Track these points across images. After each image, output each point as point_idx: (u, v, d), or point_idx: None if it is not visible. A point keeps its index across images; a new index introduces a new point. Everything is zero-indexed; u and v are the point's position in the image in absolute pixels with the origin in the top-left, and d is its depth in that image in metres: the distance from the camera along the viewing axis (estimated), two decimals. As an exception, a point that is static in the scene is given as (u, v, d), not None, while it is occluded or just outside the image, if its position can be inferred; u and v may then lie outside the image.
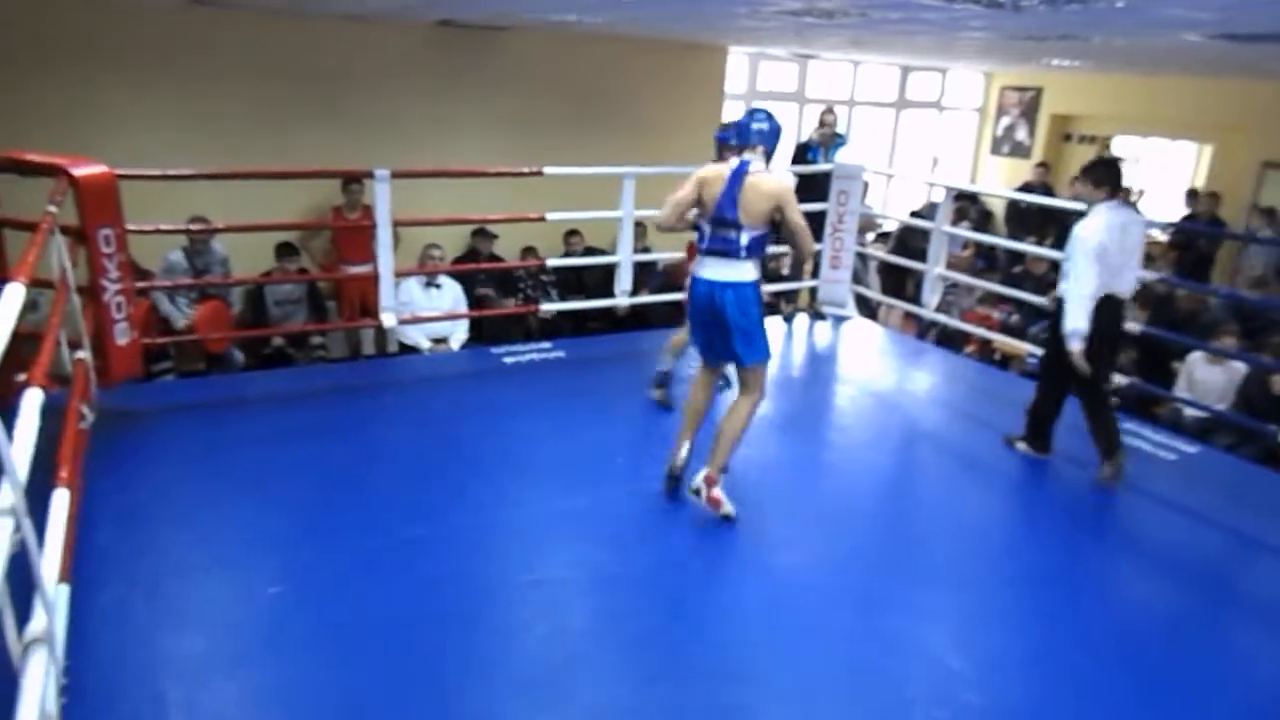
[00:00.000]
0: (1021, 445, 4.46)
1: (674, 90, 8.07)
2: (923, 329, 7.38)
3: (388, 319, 5.02)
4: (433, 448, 4.28)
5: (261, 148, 6.20)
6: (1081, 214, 4.11)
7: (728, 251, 3.46)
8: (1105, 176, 4.00)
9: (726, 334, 3.50)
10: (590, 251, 7.25)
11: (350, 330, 6.55)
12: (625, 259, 5.66)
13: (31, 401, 2.11)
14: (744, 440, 3.75)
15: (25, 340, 3.40)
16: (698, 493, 3.56)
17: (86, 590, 2.82)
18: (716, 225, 3.49)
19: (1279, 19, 3.87)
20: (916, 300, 6.51)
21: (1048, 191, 9.25)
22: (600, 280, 6.69)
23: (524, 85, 7.41)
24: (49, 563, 1.97)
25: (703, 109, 8.40)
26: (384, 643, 2.78)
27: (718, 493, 3.54)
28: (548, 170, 5.43)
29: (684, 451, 3.74)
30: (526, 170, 5.55)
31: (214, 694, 2.56)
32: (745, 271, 3.46)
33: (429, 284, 6.09)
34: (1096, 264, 3.87)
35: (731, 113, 8.86)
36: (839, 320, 6.68)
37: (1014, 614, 3.20)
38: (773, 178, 3.47)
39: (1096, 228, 3.91)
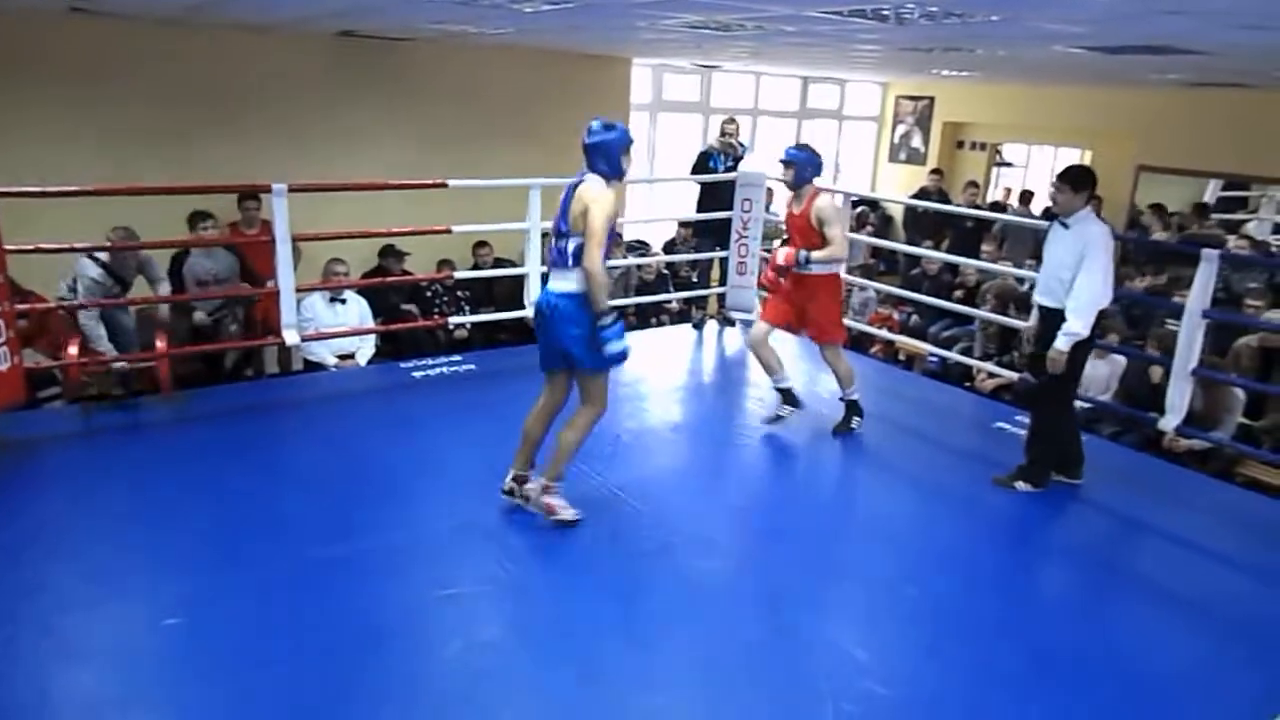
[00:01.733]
0: (1022, 485, 4.26)
1: (579, 101, 8.08)
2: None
3: (290, 336, 4.90)
4: (339, 466, 4.20)
5: (155, 163, 5.97)
6: (972, 220, 4.27)
7: (557, 262, 3.49)
8: (1087, 182, 3.96)
9: (558, 342, 3.50)
10: (499, 263, 7.21)
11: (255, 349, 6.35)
12: (533, 270, 5.65)
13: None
14: (650, 446, 3.81)
15: None
16: (526, 499, 3.67)
17: (-34, 631, 2.67)
18: (553, 237, 3.54)
19: (1145, 32, 4.12)
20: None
21: (943, 197, 9.60)
22: (510, 292, 6.65)
23: (428, 97, 7.34)
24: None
25: (609, 120, 8.45)
26: (291, 671, 2.71)
27: (550, 499, 3.62)
28: (452, 183, 5.39)
29: (513, 470, 3.78)
30: (430, 182, 5.49)
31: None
32: (574, 281, 3.44)
33: (333, 299, 5.97)
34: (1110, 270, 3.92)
35: (638, 124, 8.96)
36: (748, 325, 6.80)
37: (915, 605, 3.30)
38: (592, 186, 3.41)
39: (1106, 233, 3.93)
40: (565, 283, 3.46)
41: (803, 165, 4.63)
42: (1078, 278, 3.88)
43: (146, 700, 2.60)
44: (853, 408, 4.89)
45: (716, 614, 3.15)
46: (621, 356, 3.48)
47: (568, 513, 3.62)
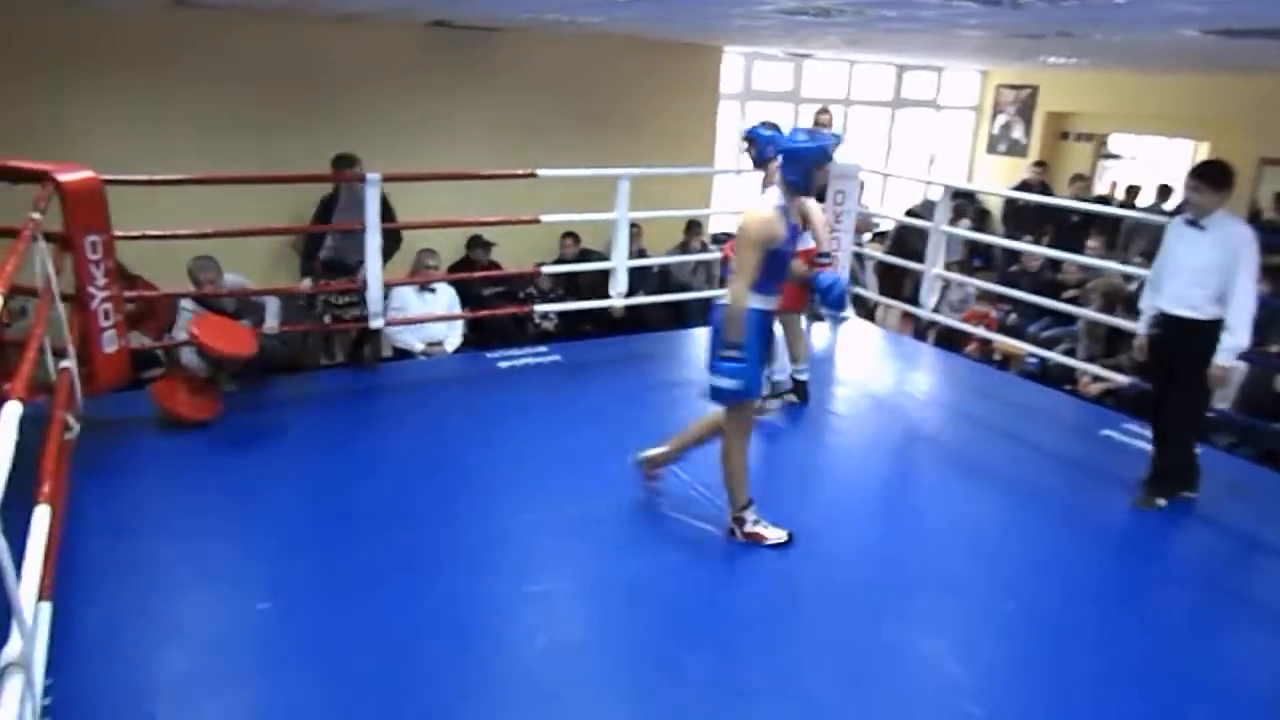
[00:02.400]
0: (1162, 501, 3.96)
1: (668, 90, 8.01)
2: (921, 329, 7.33)
3: (375, 322, 4.95)
4: (426, 455, 4.22)
5: (251, 151, 6.12)
6: (1079, 214, 4.03)
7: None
8: (1227, 181, 3.68)
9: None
10: (586, 254, 7.18)
11: (346, 335, 6.47)
12: (620, 261, 5.60)
13: (9, 416, 2.04)
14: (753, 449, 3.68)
15: (13, 348, 3.34)
16: (732, 533, 3.50)
17: (72, 607, 2.75)
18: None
19: (1273, 13, 3.82)
20: (914, 300, 6.46)
21: (1045, 190, 9.20)
22: (595, 283, 6.62)
23: (518, 87, 7.34)
24: (27, 584, 1.90)
25: (697, 109, 8.35)
26: (376, 660, 2.71)
27: (751, 529, 3.47)
28: (541, 173, 5.37)
29: (656, 450, 3.74)
30: (520, 172, 5.48)
31: (200, 715, 2.50)
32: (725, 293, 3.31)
33: (423, 288, 6.02)
34: None
35: (727, 113, 8.82)
36: (837, 321, 6.63)
37: (1015, 621, 3.14)
38: (754, 203, 3.34)
39: (1254, 235, 3.65)
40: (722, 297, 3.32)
41: (764, 143, 4.51)
42: (1236, 285, 3.59)
43: (238, 684, 2.63)
44: (800, 389, 4.85)
45: (806, 623, 3.04)
46: (719, 394, 3.29)
47: (773, 533, 3.46)
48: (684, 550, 3.44)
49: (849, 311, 6.70)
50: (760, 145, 4.54)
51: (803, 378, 4.88)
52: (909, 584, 3.32)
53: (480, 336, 6.46)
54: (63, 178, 3.86)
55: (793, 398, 4.90)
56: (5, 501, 1.90)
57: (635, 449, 3.79)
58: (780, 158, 3.28)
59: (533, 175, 5.37)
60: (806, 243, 4.63)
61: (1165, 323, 3.88)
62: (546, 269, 6.23)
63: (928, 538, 3.73)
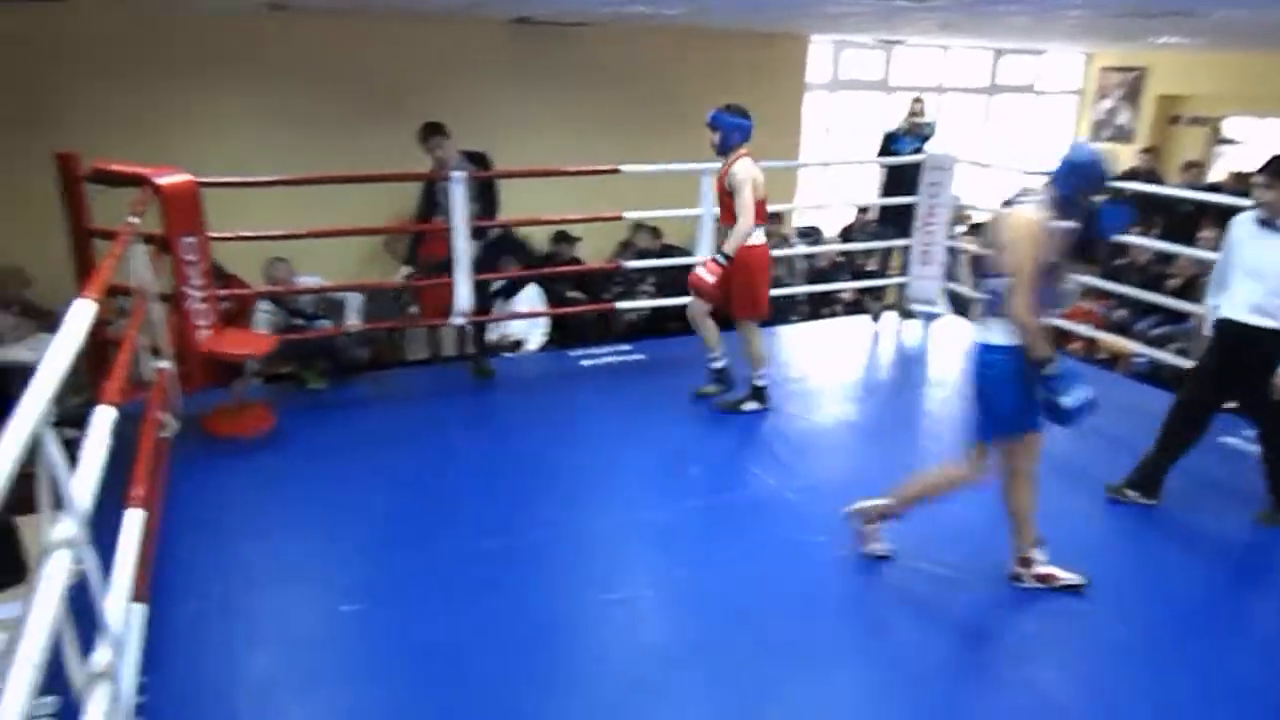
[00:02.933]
0: None
1: (753, 82, 7.82)
2: (1019, 326, 6.98)
3: (457, 319, 4.95)
4: (508, 455, 4.19)
5: (340, 151, 6.22)
6: (1192, 204, 3.73)
7: (988, 307, 2.94)
8: None
9: (992, 405, 2.98)
10: (668, 250, 7.09)
11: (432, 332, 6.54)
12: (704, 258, 5.46)
13: (102, 421, 2.06)
14: (824, 449, 3.56)
15: (113, 346, 3.43)
16: (1017, 578, 3.17)
17: (165, 604, 2.81)
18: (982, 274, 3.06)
19: None
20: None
21: (1154, 178, 8.68)
22: (679, 279, 6.52)
23: (600, 82, 7.29)
24: (116, 591, 1.91)
25: (783, 100, 8.16)
26: (457, 664, 2.68)
27: (1042, 569, 3.14)
28: (624, 168, 5.29)
29: (874, 501, 3.29)
30: (603, 168, 5.42)
31: (284, 716, 2.51)
32: (1003, 332, 2.87)
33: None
34: None
35: (814, 103, 8.59)
36: (929, 318, 6.38)
37: (1123, 644, 2.92)
38: (1020, 214, 2.82)
39: None
40: (994, 334, 2.90)
41: (729, 129, 4.33)
42: None
43: (321, 686, 2.64)
44: (758, 393, 4.64)
45: (899, 640, 2.89)
46: (1070, 416, 2.86)
47: (1066, 575, 3.14)
48: (774, 559, 3.31)
49: (941, 307, 6.44)
50: (725, 131, 4.37)
51: (762, 384, 4.67)
52: (1008, 600, 3.13)
53: (563, 335, 6.44)
54: (160, 181, 3.96)
55: (753, 404, 4.68)
56: (106, 500, 1.91)
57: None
58: (1067, 170, 2.82)
59: (616, 171, 5.30)
60: None
61: (1233, 330, 3.55)
62: (629, 264, 6.15)
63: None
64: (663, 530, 3.49)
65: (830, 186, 9.22)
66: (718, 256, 4.26)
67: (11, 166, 5.59)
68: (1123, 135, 10.11)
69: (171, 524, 3.28)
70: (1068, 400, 2.82)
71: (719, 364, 4.72)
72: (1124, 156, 9.61)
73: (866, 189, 8.49)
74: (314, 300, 4.95)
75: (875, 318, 6.46)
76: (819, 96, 8.75)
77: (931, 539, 3.47)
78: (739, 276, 4.36)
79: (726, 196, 4.34)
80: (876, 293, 6.74)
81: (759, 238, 4.40)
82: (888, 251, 6.57)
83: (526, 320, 6.24)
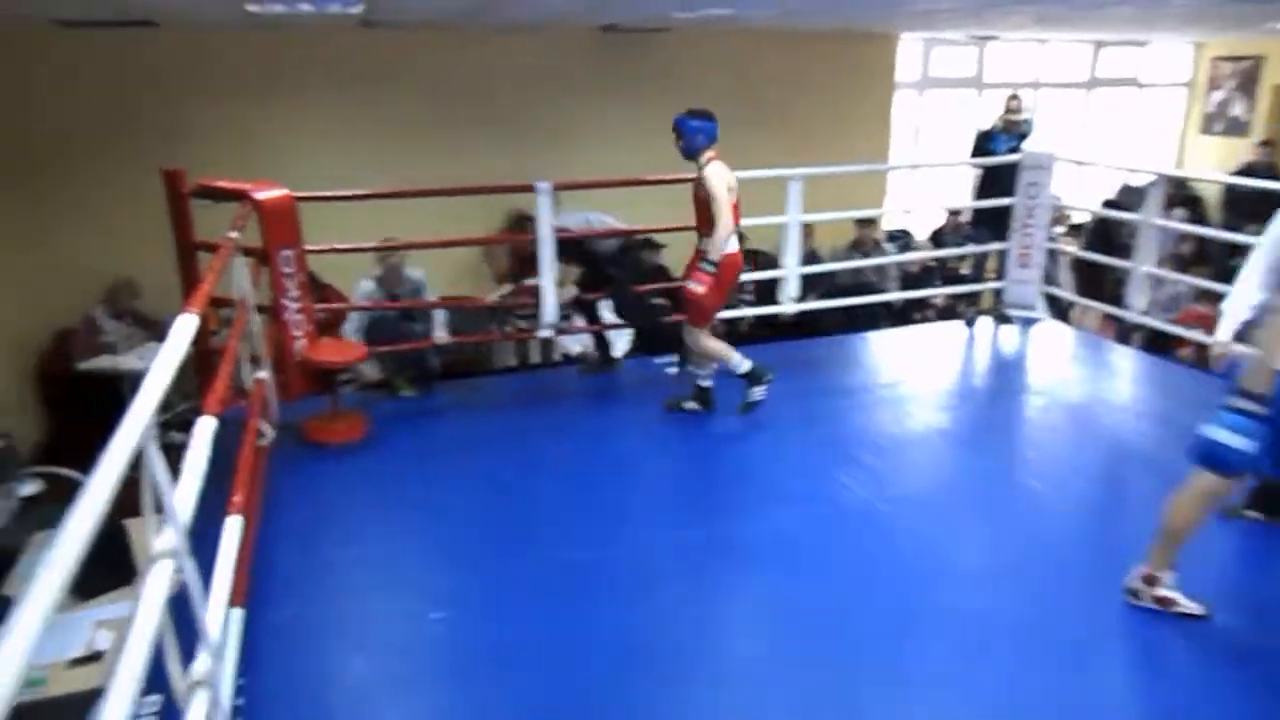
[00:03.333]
0: None
1: (840, 83, 7.70)
2: (1124, 331, 6.67)
3: (545, 331, 4.98)
4: (595, 463, 4.17)
5: (432, 163, 6.34)
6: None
7: None
8: None
9: None
10: (752, 255, 7.01)
11: (520, 341, 6.62)
12: (792, 265, 5.38)
13: (203, 430, 2.12)
14: (917, 458, 3.42)
15: (217, 356, 3.55)
16: (1134, 594, 2.94)
17: (262, 608, 2.87)
18: None
19: None
20: (1117, 299, 5.85)
21: (1272, 173, 8.18)
22: (763, 285, 6.43)
23: (685, 88, 7.23)
24: (215, 599, 1.96)
25: (871, 101, 7.99)
26: (545, 675, 2.67)
27: (1165, 593, 2.89)
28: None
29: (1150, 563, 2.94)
30: (688, 177, 5.36)
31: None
32: None
33: (593, 295, 6.04)
34: None
35: (904, 103, 8.39)
36: (1027, 323, 6.13)
37: (1257, 677, 2.72)
38: None
39: None
40: None
41: (691, 133, 4.20)
42: None
43: (413, 693, 2.66)
44: (702, 394, 4.52)
45: (994, 663, 2.75)
46: (1212, 453, 2.64)
47: (1190, 604, 2.87)
48: (867, 573, 3.21)
49: (1040, 312, 6.19)
50: (688, 136, 4.25)
51: (706, 384, 4.54)
52: (1114, 621, 2.95)
53: (647, 342, 6.41)
54: (260, 196, 4.09)
55: (694, 404, 4.56)
56: (207, 506, 1.96)
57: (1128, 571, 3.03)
58: None
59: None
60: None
61: None
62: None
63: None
64: (753, 542, 3.42)
65: (920, 189, 8.98)
66: (704, 265, 4.18)
67: (124, 183, 5.88)
68: (1237, 128, 9.57)
69: (268, 530, 3.37)
70: (1226, 437, 2.60)
71: (706, 383, 4.59)
72: (1240, 151, 9.10)
73: (958, 190, 8.26)
74: (411, 295, 5.01)
75: (969, 323, 6.24)
76: (908, 96, 8.53)
77: (1030, 558, 3.32)
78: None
79: (701, 203, 4.25)
80: (970, 297, 6.52)
81: (733, 245, 4.28)
82: (983, 255, 6.35)
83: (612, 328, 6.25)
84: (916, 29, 7.70)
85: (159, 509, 1.64)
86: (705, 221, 4.25)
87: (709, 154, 4.26)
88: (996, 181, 5.94)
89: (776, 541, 3.41)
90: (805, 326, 6.47)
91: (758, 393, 4.48)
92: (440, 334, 5.03)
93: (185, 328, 2.12)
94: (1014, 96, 6.12)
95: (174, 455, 1.78)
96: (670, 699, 2.61)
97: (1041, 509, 3.78)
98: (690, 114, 4.30)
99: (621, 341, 6.13)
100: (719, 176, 4.17)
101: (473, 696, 2.61)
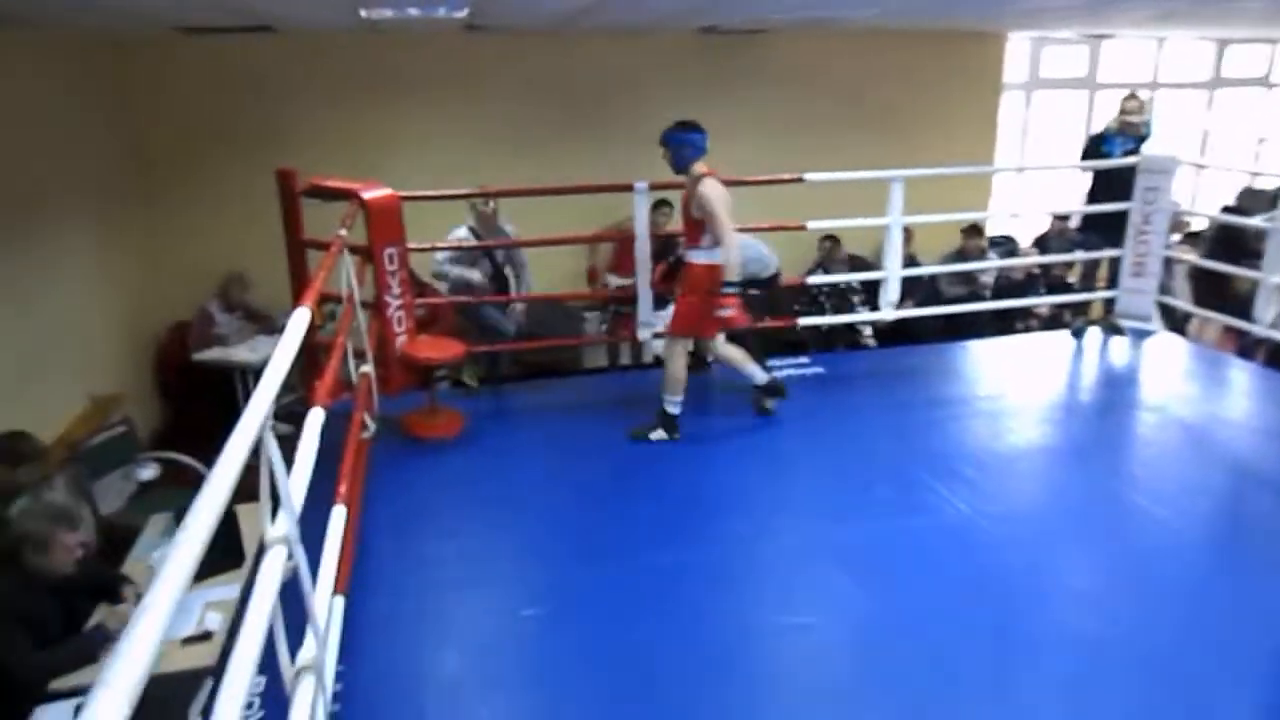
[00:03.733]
0: None
1: (944, 83, 7.49)
2: (1247, 346, 6.28)
3: (643, 333, 4.98)
4: (686, 465, 4.15)
5: (533, 164, 6.42)
6: None
7: None
8: None
9: None
10: (851, 260, 6.89)
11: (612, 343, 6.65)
12: (893, 270, 5.25)
13: (313, 422, 2.18)
14: (1021, 473, 3.25)
15: (324, 350, 3.67)
16: None
17: (360, 597, 2.94)
18: None
19: None
20: (1241, 311, 5.51)
21: None
22: (862, 288, 6.31)
23: (783, 89, 7.18)
24: (322, 585, 2.01)
25: (976, 102, 7.75)
26: (632, 678, 2.66)
27: None
28: (809, 177, 5.15)
29: None
30: (786, 177, 5.30)
31: (468, 716, 2.57)
32: None
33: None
34: None
35: (1011, 104, 8.11)
36: (1140, 335, 5.84)
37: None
38: None
39: None
40: None
41: (677, 145, 4.07)
42: None
43: (504, 689, 2.68)
44: (663, 419, 4.31)
45: (1106, 694, 2.60)
46: None
47: None
48: (968, 592, 3.09)
49: (1155, 323, 5.89)
50: (674, 148, 4.14)
51: (673, 411, 4.34)
52: (1229, 653, 2.77)
53: (739, 345, 6.36)
54: (367, 195, 4.21)
55: (661, 433, 4.35)
56: (312, 495, 2.02)
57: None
58: None
59: (799, 180, 5.16)
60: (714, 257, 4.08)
61: None
62: (812, 279, 5.99)
63: (1258, 601, 3.09)
64: (847, 552, 3.34)
65: (1026, 193, 8.67)
66: (726, 289, 4.10)
67: (236, 181, 6.15)
68: (1377, 131, 8.93)
69: (367, 520, 3.45)
70: None
71: (761, 379, 4.53)
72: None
73: (1066, 195, 7.94)
74: (504, 256, 5.10)
75: (1077, 334, 5.98)
76: (1015, 97, 8.24)
77: (1146, 582, 3.15)
78: (686, 292, 4.23)
79: (691, 218, 4.14)
80: (1078, 307, 6.25)
81: (719, 256, 4.10)
82: (1093, 262, 6.07)
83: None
84: (1026, 28, 7.43)
85: (274, 496, 1.68)
86: (696, 236, 4.16)
87: (700, 167, 4.17)
88: (1110, 186, 5.67)
89: (873, 554, 3.33)
90: (903, 333, 6.31)
91: (658, 435, 4.36)
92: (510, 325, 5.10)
93: (300, 321, 2.18)
94: (1131, 96, 5.83)
95: (279, 445, 1.83)
96: (759, 709, 2.56)
97: (1156, 530, 3.58)
98: (679, 126, 4.21)
99: (713, 344, 6.08)
100: (714, 192, 4.03)
101: (562, 696, 2.61)
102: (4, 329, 4.38)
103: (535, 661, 2.80)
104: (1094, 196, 5.82)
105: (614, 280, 6.46)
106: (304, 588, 1.73)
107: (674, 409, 4.34)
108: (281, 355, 1.93)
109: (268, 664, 1.86)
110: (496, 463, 4.18)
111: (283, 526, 1.67)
